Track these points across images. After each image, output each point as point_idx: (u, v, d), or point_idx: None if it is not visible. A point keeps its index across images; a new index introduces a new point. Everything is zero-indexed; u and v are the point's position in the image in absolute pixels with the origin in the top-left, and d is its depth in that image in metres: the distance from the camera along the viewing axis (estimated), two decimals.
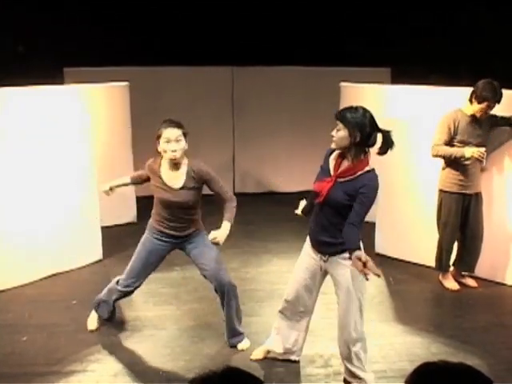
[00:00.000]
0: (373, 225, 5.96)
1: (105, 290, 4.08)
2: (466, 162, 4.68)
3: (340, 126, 3.08)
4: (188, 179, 3.69)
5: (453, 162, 4.74)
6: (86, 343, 4.00)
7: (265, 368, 3.66)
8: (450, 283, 5.04)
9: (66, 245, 5.28)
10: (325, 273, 3.37)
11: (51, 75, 6.66)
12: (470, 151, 4.54)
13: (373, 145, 3.13)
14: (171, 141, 3.55)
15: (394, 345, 4.04)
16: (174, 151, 3.57)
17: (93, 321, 4.18)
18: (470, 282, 5.07)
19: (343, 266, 3.23)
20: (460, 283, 5.06)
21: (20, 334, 4.11)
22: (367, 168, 3.09)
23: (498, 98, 4.52)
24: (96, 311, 4.15)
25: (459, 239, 4.98)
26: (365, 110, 3.10)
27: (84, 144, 5.42)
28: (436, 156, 4.73)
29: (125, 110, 6.61)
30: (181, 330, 4.25)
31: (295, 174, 8.07)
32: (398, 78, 7.48)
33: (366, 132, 3.06)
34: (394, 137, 3.10)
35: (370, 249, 5.80)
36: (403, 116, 5.71)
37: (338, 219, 3.13)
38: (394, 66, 7.88)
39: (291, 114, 8.13)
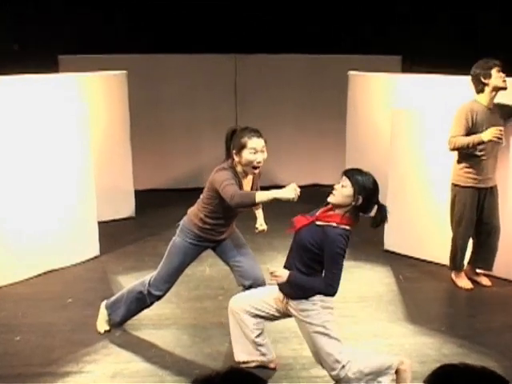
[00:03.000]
0: None
1: (124, 294, 4.02)
2: (482, 152, 4.64)
3: (347, 183, 3.17)
4: (253, 184, 3.74)
5: (467, 155, 4.70)
6: (82, 343, 3.99)
7: (270, 369, 3.64)
8: (463, 282, 5.02)
9: (61, 240, 5.27)
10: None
11: (45, 63, 6.64)
12: (487, 133, 4.50)
13: (367, 213, 3.22)
14: (258, 151, 3.52)
15: (404, 345, 4.02)
16: (260, 162, 3.54)
17: (103, 322, 4.14)
18: (484, 281, 5.04)
19: (298, 318, 3.31)
20: (473, 281, 5.03)
21: (13, 334, 4.10)
22: (344, 226, 3.13)
23: (496, 61, 4.60)
24: (109, 315, 4.10)
25: (474, 235, 4.94)
26: (374, 179, 3.21)
27: (80, 135, 5.40)
28: (454, 149, 4.68)
29: (123, 100, 6.59)
30: (181, 330, 4.23)
31: (301, 167, 8.06)
32: (408, 67, 7.44)
33: (369, 199, 3.17)
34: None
35: (378, 245, 5.82)
36: (414, 107, 5.68)
37: (301, 266, 3.21)
38: (405, 53, 7.83)
39: (296, 105, 8.13)
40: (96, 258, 5.60)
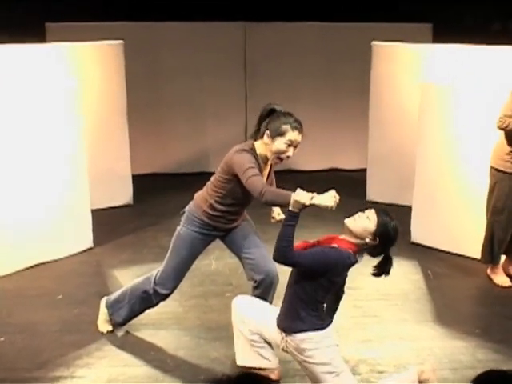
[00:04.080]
0: (408, 209, 5.92)
1: (126, 293, 4.01)
2: None
3: (373, 217, 3.19)
4: (269, 173, 3.74)
5: None
6: (73, 345, 3.99)
7: (281, 373, 3.63)
8: (501, 278, 4.99)
9: (50, 231, 5.27)
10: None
11: (30, 31, 6.61)
12: None
13: (374, 257, 3.26)
14: (292, 146, 3.52)
15: (433, 349, 4.01)
16: (289, 157, 3.56)
17: (105, 322, 4.13)
18: None
19: (299, 359, 3.30)
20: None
21: None
22: (345, 247, 3.16)
23: None
24: (110, 315, 4.10)
25: None
26: (398, 230, 3.23)
27: (71, 113, 5.38)
28: (503, 129, 4.61)
29: (118, 74, 6.56)
30: (184, 330, 4.23)
31: (317, 148, 8.00)
32: (440, 36, 7.35)
33: (384, 246, 3.21)
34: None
35: (404, 237, 5.77)
36: (446, 81, 5.61)
37: (302, 292, 3.20)
38: (436, 21, 7.74)
39: (313, 79, 8.07)
40: (89, 249, 5.60)
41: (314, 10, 7.99)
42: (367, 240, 3.17)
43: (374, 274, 3.27)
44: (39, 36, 6.95)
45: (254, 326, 3.44)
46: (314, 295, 3.20)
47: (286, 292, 3.35)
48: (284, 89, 7.88)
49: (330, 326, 3.28)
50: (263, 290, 3.80)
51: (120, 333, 4.14)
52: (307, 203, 3.06)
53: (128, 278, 4.98)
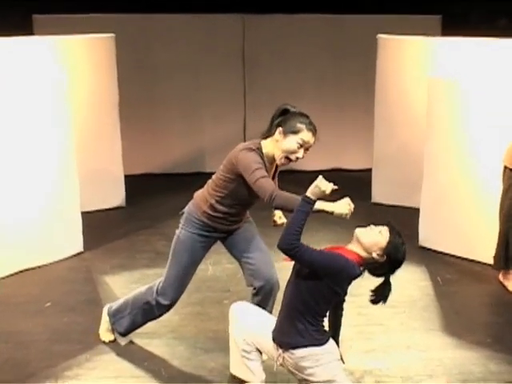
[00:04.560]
0: (416, 211, 5.90)
1: (128, 303, 3.98)
2: None
3: (385, 234, 3.16)
4: (275, 173, 3.75)
5: None
6: (62, 355, 3.98)
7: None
8: None
9: (38, 235, 5.26)
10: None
11: (17, 24, 6.61)
12: None
13: (374, 275, 3.22)
14: (303, 147, 3.54)
15: (442, 360, 3.99)
16: (298, 159, 3.56)
17: (107, 331, 4.11)
18: None
19: (299, 377, 3.24)
20: None
21: None
22: (351, 258, 3.12)
23: None
24: (112, 324, 4.07)
25: None
26: (405, 254, 3.22)
27: (59, 110, 5.37)
28: None
29: (110, 68, 6.56)
30: (179, 339, 4.23)
31: (320, 148, 7.94)
32: (450, 28, 7.35)
33: (390, 266, 3.19)
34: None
35: (411, 241, 5.76)
36: (455, 76, 5.60)
37: (300, 304, 3.15)
38: (446, 12, 7.74)
39: (315, 74, 8.08)
40: (79, 254, 5.59)
41: (317, 0, 7.98)
42: (374, 255, 3.14)
43: (372, 301, 3.23)
44: (26, 29, 6.94)
45: (249, 335, 3.37)
46: (313, 306, 3.14)
47: (283, 304, 3.29)
48: (285, 84, 7.89)
49: (331, 340, 3.22)
50: (262, 297, 3.79)
51: (111, 342, 4.12)
52: (327, 192, 3.02)
53: (120, 285, 4.98)
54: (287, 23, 7.93)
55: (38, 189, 5.26)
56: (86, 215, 5.76)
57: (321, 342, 3.15)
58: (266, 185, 3.33)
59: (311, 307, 3.14)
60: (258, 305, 3.75)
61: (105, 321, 4.11)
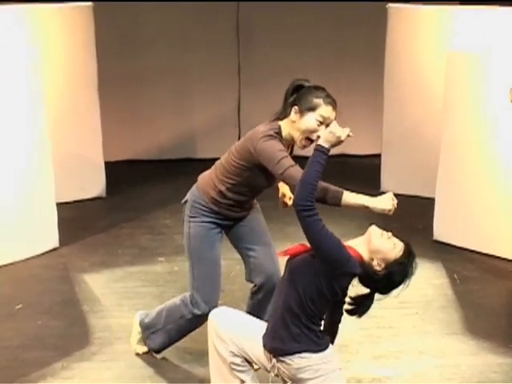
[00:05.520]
0: (430, 201, 5.90)
1: (162, 315, 3.93)
2: None
3: (399, 248, 3.13)
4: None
5: None
6: (34, 363, 3.97)
7: None
8: None
9: (8, 228, 5.24)
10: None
11: None
12: None
13: (366, 285, 3.16)
14: (323, 124, 3.49)
15: (459, 367, 4.00)
16: (318, 138, 3.44)
17: (140, 341, 4.05)
18: None
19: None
20: None
21: None
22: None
23: None
24: (145, 339, 4.02)
25: None
26: (406, 281, 3.17)
27: (32, 88, 5.35)
28: None
29: (88, 41, 6.55)
30: None
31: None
32: None
33: (387, 281, 3.13)
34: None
35: (425, 235, 5.79)
36: (476, 49, 5.58)
37: (294, 305, 3.11)
38: None
39: (318, 50, 8.09)
40: (54, 250, 5.59)
41: None
42: (375, 262, 3.12)
43: (348, 311, 3.18)
44: None
45: (236, 347, 3.29)
46: (309, 306, 3.10)
47: (274, 304, 3.26)
48: (282, 60, 7.89)
49: (331, 346, 3.18)
50: (263, 296, 3.78)
51: (91, 349, 4.12)
52: (343, 137, 3.06)
53: (100, 284, 4.98)
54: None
55: (7, 177, 5.24)
56: (61, 206, 5.76)
57: (319, 348, 3.10)
58: (295, 174, 3.29)
59: (307, 308, 3.10)
60: (258, 304, 3.77)
61: (137, 332, 4.04)
